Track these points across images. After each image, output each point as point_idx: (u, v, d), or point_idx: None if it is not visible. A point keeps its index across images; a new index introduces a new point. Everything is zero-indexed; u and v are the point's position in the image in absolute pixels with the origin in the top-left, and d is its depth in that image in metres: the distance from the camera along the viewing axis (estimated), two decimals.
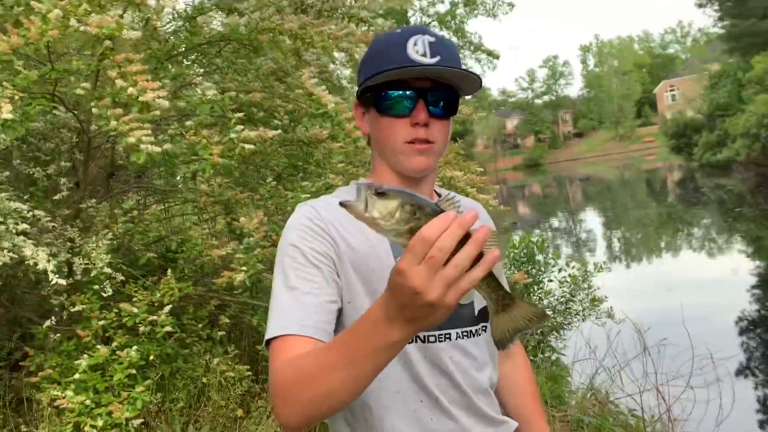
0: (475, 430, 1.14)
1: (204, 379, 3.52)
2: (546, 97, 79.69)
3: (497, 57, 25.97)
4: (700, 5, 34.21)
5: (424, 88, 1.10)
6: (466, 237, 0.72)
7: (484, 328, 1.19)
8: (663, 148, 37.01)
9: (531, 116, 76.80)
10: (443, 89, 1.12)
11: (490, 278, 0.79)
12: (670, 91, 63.14)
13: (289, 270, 1.05)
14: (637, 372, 3.80)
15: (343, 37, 2.71)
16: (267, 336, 1.03)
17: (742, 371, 5.49)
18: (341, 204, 0.78)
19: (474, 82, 1.13)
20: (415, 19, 25.64)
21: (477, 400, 1.16)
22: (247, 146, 2.47)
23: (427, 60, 1.08)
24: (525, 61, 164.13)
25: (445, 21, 25.37)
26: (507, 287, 0.85)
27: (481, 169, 5.43)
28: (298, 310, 1.02)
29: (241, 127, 2.42)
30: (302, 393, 0.91)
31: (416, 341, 1.10)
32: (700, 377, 3.64)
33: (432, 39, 1.10)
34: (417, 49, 1.08)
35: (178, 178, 4.01)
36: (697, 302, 7.71)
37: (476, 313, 1.17)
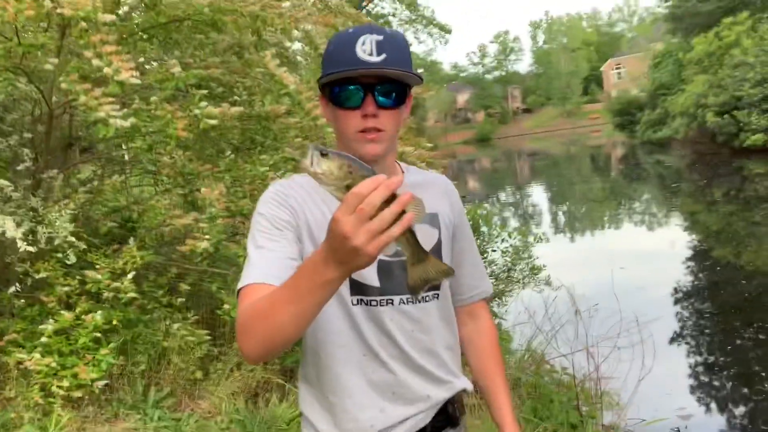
0: (414, 384, 1.28)
1: (164, 344, 3.67)
2: (496, 73, 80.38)
3: (449, 31, 26.11)
4: None
5: (371, 83, 1.21)
6: (392, 198, 0.87)
7: (435, 296, 1.33)
8: (608, 125, 38.05)
9: (482, 91, 77.43)
10: (390, 83, 1.23)
11: (409, 234, 0.96)
12: (616, 69, 64.60)
13: (257, 234, 1.22)
14: (570, 335, 4.13)
15: (302, 19, 2.85)
16: (237, 287, 1.19)
17: (666, 334, 5.94)
18: (294, 159, 1.06)
19: (415, 80, 1.26)
20: None
21: (419, 358, 1.29)
22: (210, 121, 2.61)
23: (374, 59, 1.19)
24: (476, 36, 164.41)
25: None
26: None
27: (431, 145, 5.64)
28: (263, 264, 1.17)
29: (205, 103, 2.55)
30: (258, 327, 1.07)
31: (361, 304, 1.26)
32: (626, 339, 3.99)
33: (380, 38, 1.21)
34: (365, 49, 1.19)
35: (125, 148, 4.08)
36: (632, 272, 8.20)
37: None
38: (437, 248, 1.34)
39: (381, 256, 1.20)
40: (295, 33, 3.80)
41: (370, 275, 1.25)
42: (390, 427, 1.27)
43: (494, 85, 78.58)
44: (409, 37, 27.12)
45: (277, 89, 2.64)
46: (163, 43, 3.64)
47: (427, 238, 1.31)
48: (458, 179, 28.45)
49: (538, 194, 21.49)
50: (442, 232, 1.36)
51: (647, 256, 9.68)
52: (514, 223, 14.47)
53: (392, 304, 1.27)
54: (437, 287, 1.33)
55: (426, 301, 1.32)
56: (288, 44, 4.59)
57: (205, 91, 2.62)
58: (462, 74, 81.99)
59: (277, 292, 1.06)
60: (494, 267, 5.17)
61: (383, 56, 1.19)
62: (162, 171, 3.31)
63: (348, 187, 0.89)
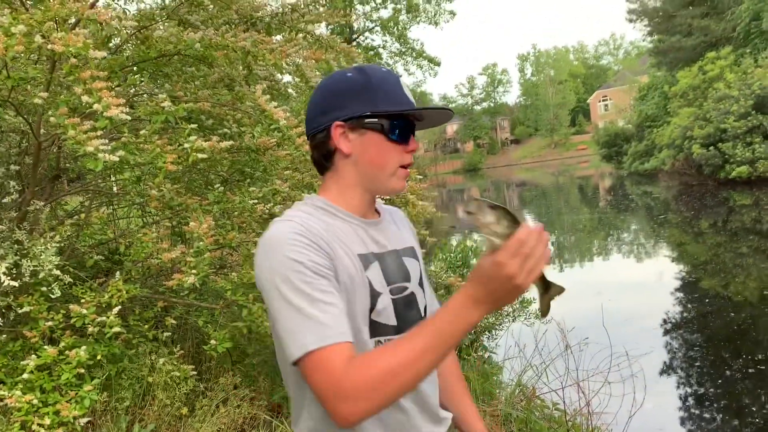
0: (421, 423, 1.28)
1: (149, 379, 3.60)
2: (485, 104, 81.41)
3: (438, 64, 26.53)
4: (631, 20, 35.76)
5: (412, 124, 1.29)
6: None
7: None
8: (595, 156, 38.44)
9: (470, 122, 78.30)
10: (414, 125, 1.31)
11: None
12: (603, 101, 65.59)
13: (302, 284, 1.09)
14: (560, 369, 4.10)
15: (293, 53, 2.87)
16: (303, 349, 1.06)
17: (656, 367, 5.92)
18: (467, 211, 1.05)
19: (450, 116, 1.33)
20: (358, 24, 25.82)
21: (427, 392, 1.30)
22: (200, 155, 2.60)
23: (413, 101, 1.29)
24: (465, 68, 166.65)
25: (388, 27, 25.70)
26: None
27: (421, 177, 5.66)
28: (331, 320, 1.08)
29: (195, 137, 2.54)
30: (388, 387, 1.02)
31: (378, 345, 1.22)
32: (617, 373, 3.96)
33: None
34: (407, 92, 1.28)
35: (113, 179, 4.06)
36: (621, 304, 8.20)
37: (422, 313, 1.33)
38: (421, 278, 1.37)
39: (392, 296, 1.26)
40: (286, 66, 3.84)
41: (389, 315, 1.25)
42: None
43: (483, 116, 79.52)
44: (399, 68, 27.46)
45: (267, 123, 2.65)
46: (153, 75, 3.64)
47: (413, 270, 1.34)
48: (448, 209, 28.55)
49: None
50: (420, 262, 1.40)
51: (636, 287, 9.70)
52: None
53: None
54: (427, 316, 1.35)
55: None
56: (279, 76, 4.63)
57: (194, 126, 2.62)
58: (451, 105, 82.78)
59: (409, 343, 1.04)
60: None
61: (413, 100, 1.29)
62: (150, 204, 3.29)
63: (508, 235, 1.02)
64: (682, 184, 23.29)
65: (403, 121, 1.26)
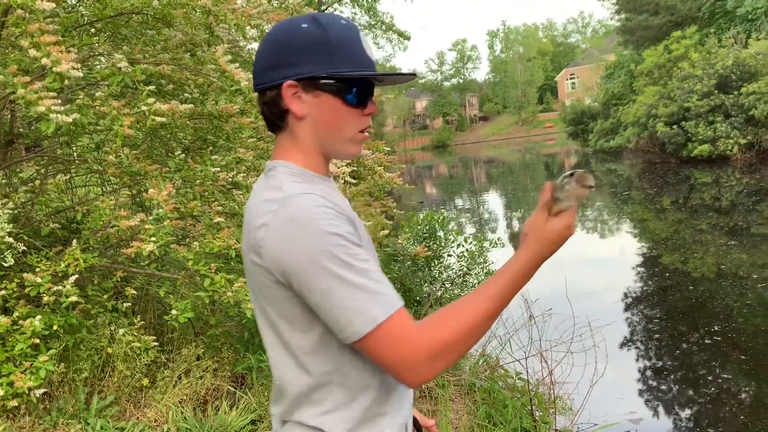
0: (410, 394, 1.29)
1: (109, 350, 3.53)
2: (454, 80, 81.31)
3: (408, 38, 26.31)
4: None
5: (370, 83, 1.19)
6: None
7: None
8: (562, 133, 38.80)
9: (440, 98, 78.24)
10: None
11: None
12: (570, 78, 66.04)
13: (348, 258, 1.03)
14: (524, 339, 4.14)
15: (256, 16, 2.78)
16: (373, 323, 1.01)
17: (617, 339, 6.04)
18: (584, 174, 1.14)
19: (411, 78, 1.26)
20: None
21: None
22: (157, 119, 2.51)
23: (374, 58, 1.19)
24: (435, 43, 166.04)
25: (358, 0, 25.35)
26: None
27: (389, 149, 5.62)
28: (386, 288, 1.05)
29: (153, 99, 2.45)
30: (462, 345, 1.05)
31: None
32: (579, 343, 4.01)
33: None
34: (369, 47, 1.17)
35: (75, 148, 3.93)
36: (585, 278, 8.34)
37: None
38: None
39: None
40: (251, 32, 3.73)
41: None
42: (405, 424, 1.23)
43: (452, 93, 79.45)
44: (369, 42, 27.15)
45: (230, 86, 2.56)
46: (112, 38, 3.51)
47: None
48: (416, 184, 28.60)
49: (493, 200, 21.74)
50: None
51: (599, 262, 9.86)
52: (470, 228, 14.59)
53: None
54: None
55: None
56: (243, 43, 4.51)
57: (152, 87, 2.52)
58: (420, 81, 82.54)
59: (482, 303, 1.07)
60: (450, 272, 5.17)
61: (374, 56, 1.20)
62: (108, 170, 3.18)
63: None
64: (645, 162, 23.67)
65: (362, 83, 1.16)
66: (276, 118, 1.19)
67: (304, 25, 1.14)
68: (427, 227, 5.26)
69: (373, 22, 25.75)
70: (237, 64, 2.71)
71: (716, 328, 6.24)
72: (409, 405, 1.25)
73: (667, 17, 29.79)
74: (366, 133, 1.22)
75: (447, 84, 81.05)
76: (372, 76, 1.16)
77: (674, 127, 21.48)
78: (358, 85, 1.15)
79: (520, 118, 71.73)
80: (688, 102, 21.24)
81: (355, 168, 4.07)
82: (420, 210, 16.47)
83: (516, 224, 16.27)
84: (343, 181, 3.77)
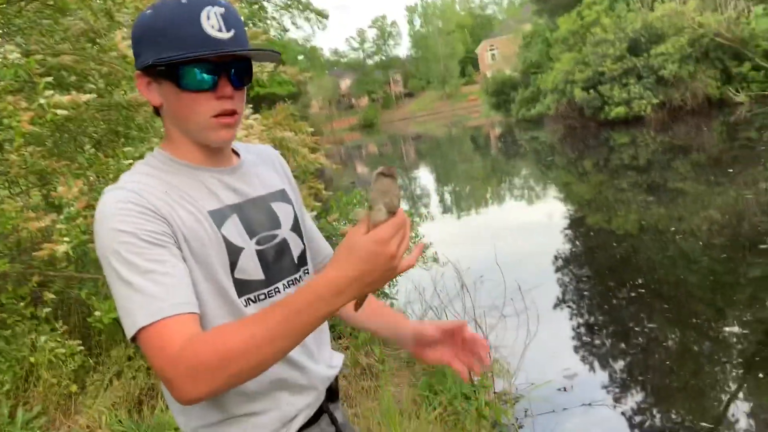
0: (312, 369, 1.22)
1: (31, 359, 3.36)
2: (377, 58, 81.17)
3: (326, 17, 25.99)
4: None
5: (225, 62, 1.10)
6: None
7: (306, 271, 1.27)
8: (485, 105, 39.42)
9: (364, 77, 78.03)
10: (242, 61, 1.13)
11: None
12: (490, 50, 67.01)
13: (132, 256, 0.99)
14: (459, 308, 4.22)
15: None
16: (134, 327, 0.97)
17: (549, 301, 6.23)
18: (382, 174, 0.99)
19: (274, 57, 1.18)
20: None
21: (312, 341, 1.24)
22: (59, 112, 2.38)
23: (224, 35, 1.07)
24: (355, 21, 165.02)
25: None
26: None
27: (312, 129, 5.55)
28: (164, 292, 0.98)
29: (51, 92, 2.32)
30: (226, 369, 0.92)
31: (251, 304, 1.14)
32: (511, 307, 4.12)
33: (222, 9, 1.08)
34: (212, 24, 1.06)
35: None
36: (514, 244, 8.54)
37: (295, 260, 1.25)
38: (296, 223, 1.28)
39: (259, 246, 1.16)
40: None
41: (254, 270, 1.15)
42: (293, 418, 1.19)
43: (375, 70, 79.35)
44: (286, 22, 26.71)
45: (132, 71, 2.45)
46: (4, 29, 3.29)
47: (285, 215, 1.25)
48: (347, 165, 28.51)
49: (423, 176, 21.95)
50: (294, 205, 1.30)
51: (527, 228, 10.13)
52: (402, 205, 14.67)
53: (279, 292, 1.19)
54: (306, 262, 1.27)
55: (300, 281, 1.25)
56: None
57: (50, 78, 2.38)
58: (343, 60, 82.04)
59: (258, 327, 0.93)
60: None
61: (232, 32, 1.08)
62: (11, 170, 3.00)
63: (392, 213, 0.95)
64: (566, 127, 24.39)
65: (197, 65, 1.07)
66: (153, 104, 1.17)
67: (147, 12, 1.10)
68: (356, 205, 5.25)
69: (289, 2, 25.29)
70: None
71: (641, 281, 6.53)
72: (297, 398, 1.19)
73: None
74: (227, 118, 1.12)
75: (370, 62, 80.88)
76: (193, 57, 1.05)
77: (591, 91, 22.19)
78: (192, 68, 1.07)
79: (444, 92, 72.43)
80: (602, 66, 21.95)
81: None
82: (351, 190, 16.42)
83: (447, 197, 16.51)
84: None
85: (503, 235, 9.25)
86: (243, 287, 1.13)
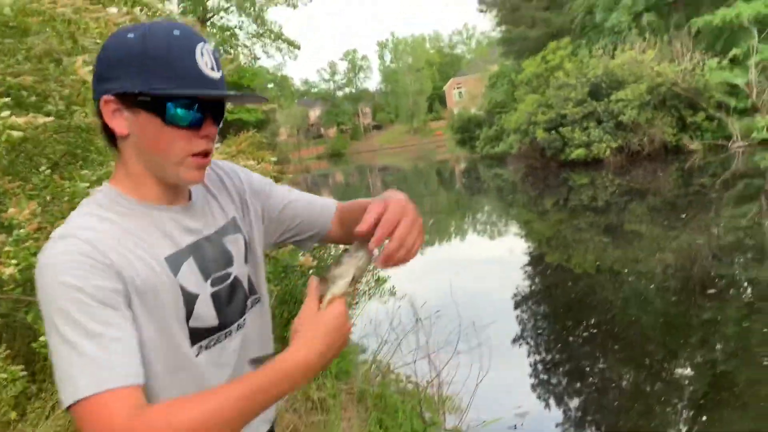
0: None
1: None
2: (347, 90, 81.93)
3: (298, 47, 26.22)
4: (482, 11, 37.54)
5: (211, 101, 1.07)
6: None
7: (255, 300, 1.24)
8: (451, 141, 40.00)
9: (333, 107, 78.65)
10: (222, 102, 1.11)
11: None
12: (457, 88, 68.32)
13: (80, 315, 0.92)
14: (413, 343, 4.23)
15: (125, 24, 2.67)
16: (75, 396, 0.89)
17: (506, 337, 6.28)
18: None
19: (261, 101, 1.18)
20: (213, 2, 24.88)
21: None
22: (14, 133, 2.35)
23: (215, 75, 1.05)
24: (327, 52, 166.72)
25: (245, 7, 24.98)
26: None
27: (275, 159, 5.56)
28: (111, 360, 0.92)
29: (8, 112, 2.30)
30: None
31: (203, 351, 1.11)
32: (465, 343, 4.15)
33: (211, 48, 1.06)
34: (206, 62, 1.04)
35: None
36: (473, 279, 8.62)
37: (247, 292, 1.21)
38: (245, 250, 1.24)
39: (213, 288, 1.14)
40: None
41: (208, 315, 1.11)
42: None
43: (345, 102, 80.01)
44: (258, 51, 26.83)
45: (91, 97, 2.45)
46: None
47: (237, 250, 1.22)
48: (313, 193, 28.44)
49: None
50: (244, 230, 1.26)
51: (487, 263, 10.24)
52: None
53: (230, 335, 1.16)
54: (255, 290, 1.25)
55: (257, 305, 1.25)
56: None
57: (8, 99, 2.36)
58: (313, 90, 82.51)
59: (218, 400, 0.91)
60: None
61: (220, 72, 1.06)
62: None
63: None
64: (528, 167, 24.87)
65: (187, 101, 1.03)
66: (105, 134, 1.09)
67: (130, 36, 1.03)
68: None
69: (261, 31, 25.46)
70: None
71: (596, 321, 6.64)
72: None
73: (544, 29, 31.53)
74: (204, 158, 1.09)
75: (340, 93, 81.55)
76: (193, 95, 1.03)
77: (552, 132, 22.72)
78: (181, 104, 1.03)
79: (411, 126, 73.27)
80: (564, 109, 22.54)
81: None
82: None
83: None
84: None
85: (463, 269, 9.33)
86: (197, 335, 1.10)
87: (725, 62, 20.77)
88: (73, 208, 3.12)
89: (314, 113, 79.73)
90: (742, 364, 5.19)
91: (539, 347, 6.26)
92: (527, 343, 6.31)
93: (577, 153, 21.66)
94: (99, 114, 1.07)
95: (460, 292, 4.74)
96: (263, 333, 1.27)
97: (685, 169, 17.96)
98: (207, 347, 1.11)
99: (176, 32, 1.03)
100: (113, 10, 3.47)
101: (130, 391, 0.92)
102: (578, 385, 5.28)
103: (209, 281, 1.12)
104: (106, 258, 0.97)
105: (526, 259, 10.53)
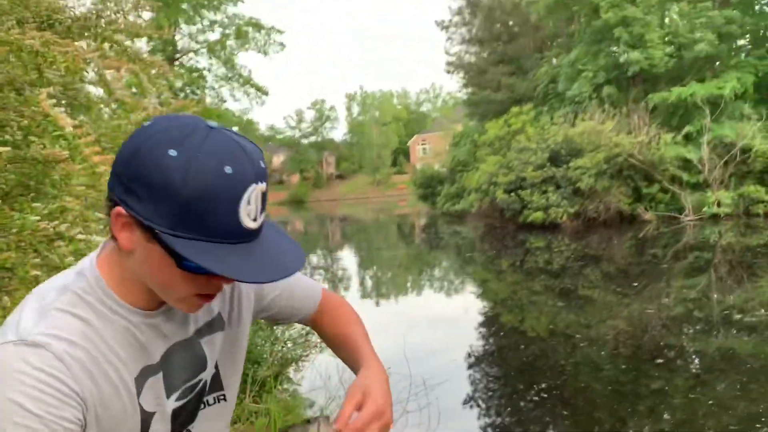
0: None
1: None
2: (312, 138, 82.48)
3: (266, 93, 26.46)
4: (449, 72, 38.58)
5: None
6: None
7: (219, 398, 1.14)
8: (413, 195, 40.43)
9: (297, 155, 78.91)
10: None
11: None
12: (422, 144, 69.59)
13: None
14: None
15: (93, 60, 2.64)
16: None
17: (457, 397, 6.22)
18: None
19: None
20: (183, 43, 25.02)
21: None
22: None
23: (255, 225, 0.89)
24: (294, 100, 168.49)
25: (215, 50, 25.18)
26: None
27: None
28: None
29: None
30: None
31: None
32: (415, 402, 4.08)
33: (264, 187, 0.89)
34: (249, 212, 0.87)
35: None
36: (425, 337, 8.57)
37: (207, 390, 1.12)
38: (221, 346, 1.13)
39: (175, 404, 1.05)
40: (91, 75, 3.54)
41: (162, 429, 1.03)
42: None
43: (309, 150, 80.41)
44: (225, 93, 26.94)
45: (52, 131, 2.39)
46: None
47: (210, 350, 1.11)
48: None
49: (347, 258, 21.98)
50: (229, 326, 1.15)
51: (441, 321, 10.22)
52: (323, 285, 14.54)
53: None
54: (221, 387, 1.14)
55: (221, 401, 1.14)
56: (85, 86, 4.26)
57: None
58: (278, 136, 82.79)
59: None
60: (292, 331, 5.09)
61: (261, 219, 0.90)
62: None
63: None
64: (487, 226, 25.23)
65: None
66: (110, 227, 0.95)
67: (172, 153, 0.84)
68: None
69: (230, 75, 25.63)
70: (63, 110, 2.54)
71: (547, 385, 6.64)
72: None
73: (508, 94, 32.59)
74: (210, 298, 0.98)
75: (305, 141, 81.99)
76: (218, 273, 0.86)
77: (512, 194, 23.19)
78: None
79: (375, 178, 73.90)
80: (524, 172, 23.10)
81: None
82: None
83: (368, 282, 16.51)
84: None
85: (417, 326, 9.29)
86: None
87: (680, 138, 21.72)
88: (21, 241, 2.99)
89: (277, 159, 79.84)
90: None
91: (490, 410, 6.21)
92: (478, 405, 6.26)
93: (535, 216, 22.10)
94: (107, 206, 0.92)
95: (413, 349, 4.68)
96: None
97: (638, 238, 18.46)
98: None
99: (228, 170, 0.84)
100: (82, 44, 3.45)
101: None
102: None
103: (173, 397, 1.03)
104: (76, 384, 0.88)
105: (480, 318, 10.55)
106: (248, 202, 0.86)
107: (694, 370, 7.06)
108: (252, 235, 0.89)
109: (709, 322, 8.92)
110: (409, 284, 15.74)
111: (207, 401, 1.10)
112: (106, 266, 0.98)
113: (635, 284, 12.12)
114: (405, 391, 4.04)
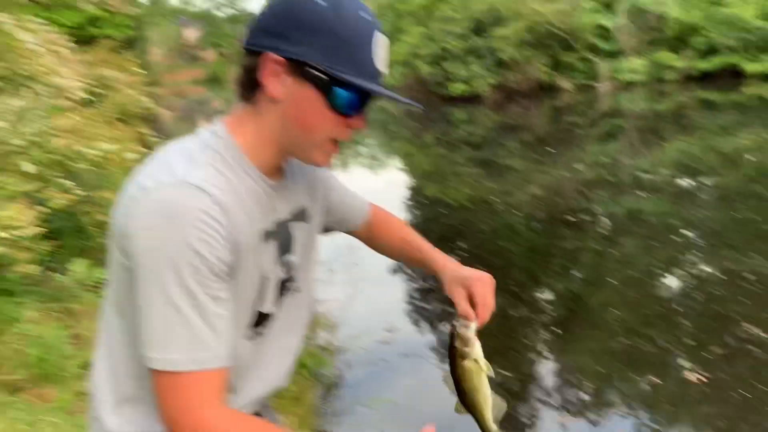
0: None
1: None
2: (228, 10, 77.82)
3: None
4: None
5: (368, 96, 1.03)
6: None
7: (295, 288, 1.20)
8: None
9: (213, 29, 74.56)
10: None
11: None
12: None
13: (194, 284, 0.90)
14: None
15: None
16: (166, 365, 0.91)
17: (379, 262, 6.39)
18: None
19: (414, 107, 1.15)
20: None
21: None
22: None
23: (384, 70, 1.03)
24: None
25: None
26: None
27: (145, 72, 5.17)
28: (213, 338, 0.93)
29: None
30: None
31: (246, 338, 1.09)
32: (340, 263, 4.15)
33: (386, 40, 1.03)
34: (380, 56, 1.01)
35: None
36: None
37: (295, 283, 1.18)
38: (306, 245, 1.20)
39: (281, 275, 1.12)
40: None
41: (271, 301, 1.11)
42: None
43: (226, 24, 76.06)
44: None
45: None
46: None
47: (300, 234, 1.17)
48: (190, 120, 27.12)
49: None
50: (311, 221, 1.22)
51: (368, 195, 10.32)
52: None
53: (276, 321, 1.16)
54: (297, 279, 1.20)
55: (297, 294, 1.22)
56: None
57: None
58: (190, 9, 77.59)
59: None
60: None
61: (387, 69, 1.05)
62: None
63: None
64: (413, 100, 25.08)
65: (357, 92, 1.00)
66: (248, 87, 1.02)
67: (322, 2, 0.96)
68: None
69: None
70: None
71: (467, 249, 6.92)
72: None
73: None
74: (336, 147, 1.06)
75: (220, 14, 77.32)
76: (370, 90, 1.00)
77: (436, 66, 22.97)
78: (350, 91, 0.99)
79: None
80: (446, 43, 22.77)
81: (96, 86, 3.68)
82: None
83: None
84: (79, 98, 3.38)
85: None
86: (257, 320, 1.09)
87: (598, 5, 21.75)
88: None
89: (191, 34, 75.30)
90: (596, 289, 5.64)
91: (416, 273, 6.44)
92: (403, 269, 6.46)
93: (458, 88, 22.11)
94: (248, 65, 1.00)
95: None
96: (295, 324, 1.22)
97: (556, 108, 18.87)
98: (253, 336, 1.09)
99: (363, 14, 0.99)
100: None
101: (217, 374, 0.94)
102: (449, 307, 5.49)
103: (278, 268, 1.10)
104: (232, 227, 0.94)
105: (406, 191, 10.72)
106: (378, 46, 1.00)
107: (603, 231, 7.51)
108: (381, 81, 1.02)
109: (618, 186, 9.41)
110: (334, 161, 15.70)
111: (287, 286, 1.17)
112: (239, 128, 1.04)
113: (552, 151, 12.52)
114: (331, 252, 4.11)
